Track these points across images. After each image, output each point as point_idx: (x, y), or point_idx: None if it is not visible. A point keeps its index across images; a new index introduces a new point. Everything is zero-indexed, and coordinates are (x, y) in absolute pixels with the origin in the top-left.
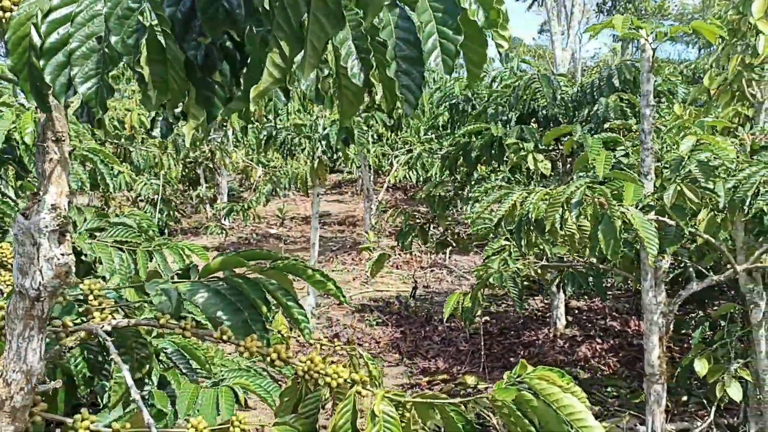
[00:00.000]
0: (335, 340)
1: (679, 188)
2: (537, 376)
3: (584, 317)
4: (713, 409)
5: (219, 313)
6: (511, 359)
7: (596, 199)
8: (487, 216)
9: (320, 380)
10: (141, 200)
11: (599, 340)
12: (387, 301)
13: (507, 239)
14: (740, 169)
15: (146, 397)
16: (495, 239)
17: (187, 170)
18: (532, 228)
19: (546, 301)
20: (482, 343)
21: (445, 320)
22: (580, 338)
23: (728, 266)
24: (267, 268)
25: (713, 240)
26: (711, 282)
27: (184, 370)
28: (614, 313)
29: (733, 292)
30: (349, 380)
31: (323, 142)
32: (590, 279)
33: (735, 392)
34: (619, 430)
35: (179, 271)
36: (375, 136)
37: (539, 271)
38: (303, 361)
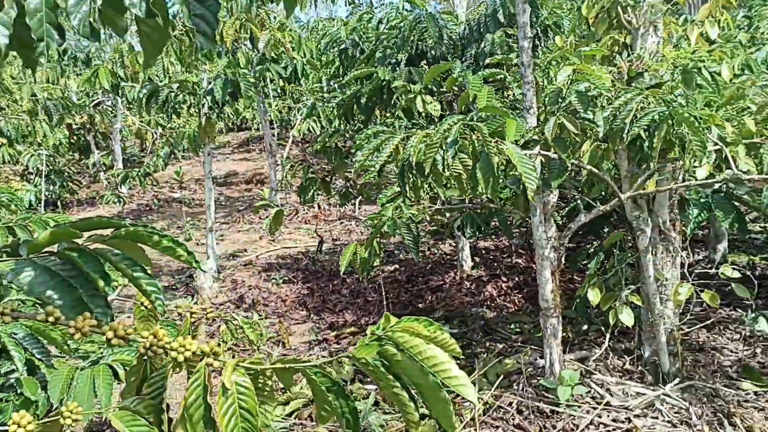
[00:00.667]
0: (235, 304)
1: (559, 120)
2: (401, 328)
3: (491, 257)
4: (608, 335)
5: (49, 293)
6: (419, 305)
7: (475, 137)
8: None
9: (165, 355)
10: (30, 173)
11: (505, 279)
12: (295, 258)
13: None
14: (617, 97)
15: (14, 384)
16: (389, 186)
17: (76, 137)
18: (413, 172)
19: (453, 245)
20: (383, 293)
21: (342, 273)
22: (486, 278)
23: (614, 196)
24: (109, 237)
25: (597, 171)
26: (598, 212)
27: (38, 356)
28: (520, 251)
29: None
30: (198, 352)
31: (208, 98)
32: (495, 219)
33: (626, 318)
34: (520, 365)
35: (7, 248)
36: (278, 90)
37: (435, 216)
38: (145, 336)
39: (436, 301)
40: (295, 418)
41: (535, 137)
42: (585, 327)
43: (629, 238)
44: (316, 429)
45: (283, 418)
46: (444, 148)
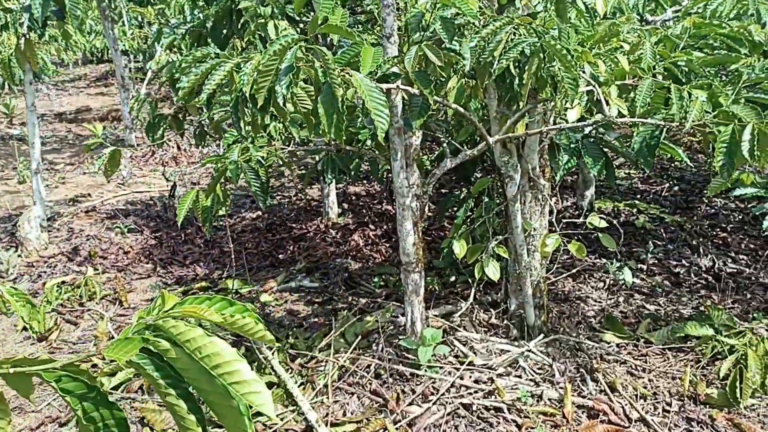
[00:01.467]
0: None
1: (421, 51)
2: (181, 312)
3: (360, 204)
4: (473, 290)
5: None
6: (280, 256)
7: (319, 65)
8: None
9: None
10: None
11: (373, 227)
12: (146, 203)
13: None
14: (485, 25)
15: None
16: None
17: None
18: (249, 106)
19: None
20: (230, 243)
21: (179, 225)
22: (353, 226)
23: (483, 139)
24: None
25: (463, 111)
26: (465, 157)
27: None
28: (392, 197)
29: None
30: None
31: (26, 15)
32: (364, 162)
33: (492, 272)
34: (380, 324)
35: None
36: (138, 19)
37: (288, 159)
38: None
39: (299, 251)
40: (123, 391)
41: (395, 69)
42: (453, 278)
43: (499, 185)
44: (147, 401)
45: (108, 392)
46: (277, 76)
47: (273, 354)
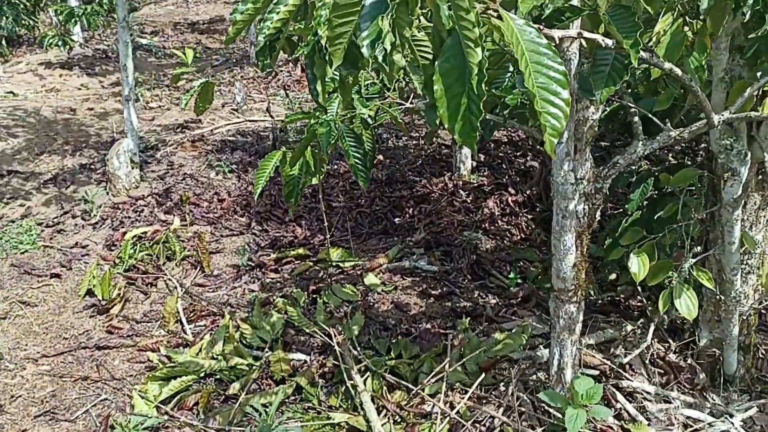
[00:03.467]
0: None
1: None
2: None
3: (500, 156)
4: (651, 328)
5: None
6: (396, 220)
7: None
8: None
9: None
10: None
11: (512, 191)
12: (259, 135)
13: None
14: None
15: None
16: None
17: None
18: (326, 57)
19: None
20: (321, 208)
21: (255, 198)
22: (488, 187)
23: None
24: None
25: (681, 73)
26: (668, 140)
27: None
28: (540, 146)
29: (695, 146)
30: None
31: None
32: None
33: (687, 306)
34: (514, 352)
35: None
36: None
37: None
38: None
39: (419, 216)
40: (175, 408)
41: (575, 3)
42: (614, 276)
43: (708, 175)
44: (202, 427)
45: (156, 406)
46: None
47: (366, 380)
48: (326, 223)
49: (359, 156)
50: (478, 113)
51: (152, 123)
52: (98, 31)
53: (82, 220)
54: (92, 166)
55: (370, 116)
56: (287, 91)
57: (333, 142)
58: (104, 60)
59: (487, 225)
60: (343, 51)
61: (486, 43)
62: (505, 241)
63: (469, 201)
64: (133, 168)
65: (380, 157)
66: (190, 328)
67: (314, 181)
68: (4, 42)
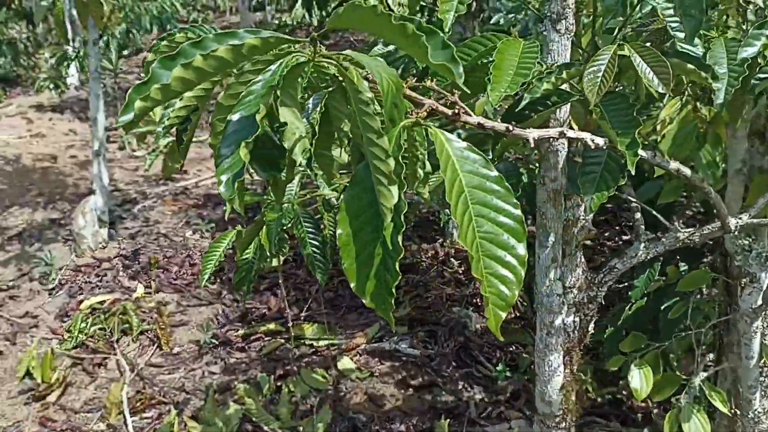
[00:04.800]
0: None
1: (623, 53)
2: None
3: None
4: None
5: None
6: None
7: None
8: None
9: None
10: None
11: None
12: (246, 188)
13: None
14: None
15: None
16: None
17: (17, 2)
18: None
19: None
20: (281, 293)
21: (201, 285)
22: None
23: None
24: None
25: (690, 173)
26: (675, 244)
27: None
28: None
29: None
30: None
31: None
32: None
33: (697, 429)
34: None
35: None
36: None
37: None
38: None
39: (405, 288)
40: None
41: (562, 87)
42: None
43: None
44: None
45: None
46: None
47: None
48: (285, 300)
49: (317, 244)
50: (395, 273)
51: (135, 173)
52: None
53: (39, 285)
54: (62, 221)
55: (334, 197)
56: None
57: (284, 229)
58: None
59: (478, 300)
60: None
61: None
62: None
63: (461, 272)
64: (101, 227)
65: None
66: (133, 422)
67: (274, 263)
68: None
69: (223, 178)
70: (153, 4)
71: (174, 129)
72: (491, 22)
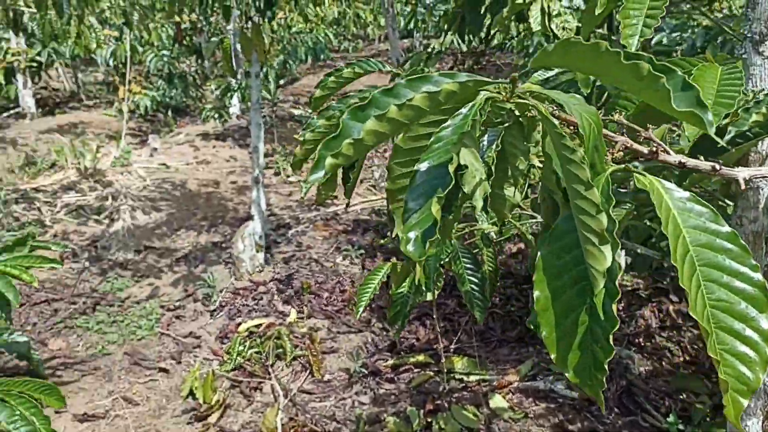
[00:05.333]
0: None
1: None
2: None
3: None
4: None
5: None
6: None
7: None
8: None
9: None
10: (154, 75)
11: (675, 297)
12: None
13: None
14: None
15: None
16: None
17: (187, 38)
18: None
19: None
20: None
21: (357, 317)
22: (645, 292)
23: None
24: None
25: None
26: None
27: None
28: None
29: None
30: None
31: None
32: None
33: None
34: None
35: None
36: None
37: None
38: None
39: None
40: None
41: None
42: None
43: None
44: None
45: None
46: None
47: None
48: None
49: (476, 281)
50: (607, 346)
51: (289, 198)
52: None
53: (202, 306)
54: (223, 245)
55: (493, 231)
56: None
57: (441, 265)
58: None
59: (641, 340)
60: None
61: None
62: (664, 364)
63: (620, 308)
64: (258, 251)
65: (521, 245)
66: None
67: (428, 297)
68: (170, 112)
69: (411, 235)
70: (308, 35)
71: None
72: (653, 42)
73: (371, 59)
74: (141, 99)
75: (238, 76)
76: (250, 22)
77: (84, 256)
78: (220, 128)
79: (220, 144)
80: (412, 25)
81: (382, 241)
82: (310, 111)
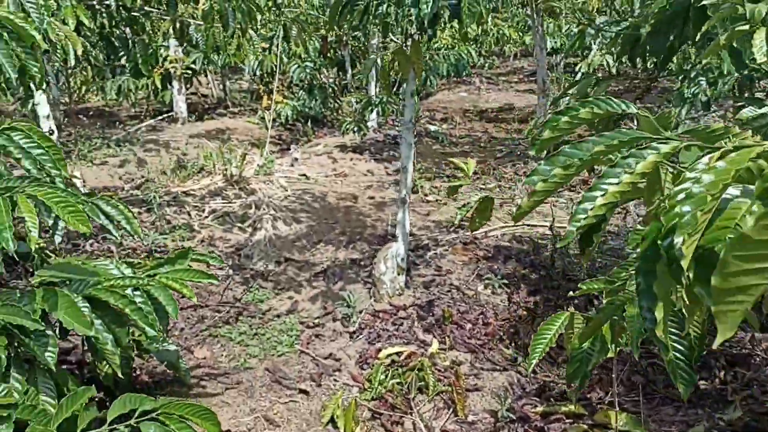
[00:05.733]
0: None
1: None
2: None
3: None
4: None
5: None
6: (701, 383)
7: None
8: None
9: None
10: (296, 85)
11: None
12: (538, 243)
13: None
14: None
15: None
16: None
17: (332, 51)
18: (679, 271)
19: None
20: (614, 389)
21: (529, 370)
22: None
23: None
24: None
25: None
26: None
27: None
28: None
29: None
30: None
31: (413, 11)
32: None
33: None
34: None
35: None
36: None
37: None
38: None
39: (733, 384)
40: None
41: None
42: None
43: None
44: None
45: None
46: None
47: None
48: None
49: (682, 349)
50: None
51: (427, 218)
52: (392, 116)
53: (341, 326)
54: (362, 262)
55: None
56: (573, 191)
57: (643, 332)
58: (392, 145)
59: None
60: (741, 316)
61: None
62: None
63: None
64: (399, 274)
65: None
66: None
67: (609, 354)
68: (309, 123)
69: None
70: (450, 52)
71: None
72: None
73: (610, 97)
74: (282, 108)
75: (376, 90)
76: (410, 40)
77: (228, 263)
78: (357, 141)
79: (357, 157)
80: (577, 45)
81: (572, 293)
82: (443, 127)
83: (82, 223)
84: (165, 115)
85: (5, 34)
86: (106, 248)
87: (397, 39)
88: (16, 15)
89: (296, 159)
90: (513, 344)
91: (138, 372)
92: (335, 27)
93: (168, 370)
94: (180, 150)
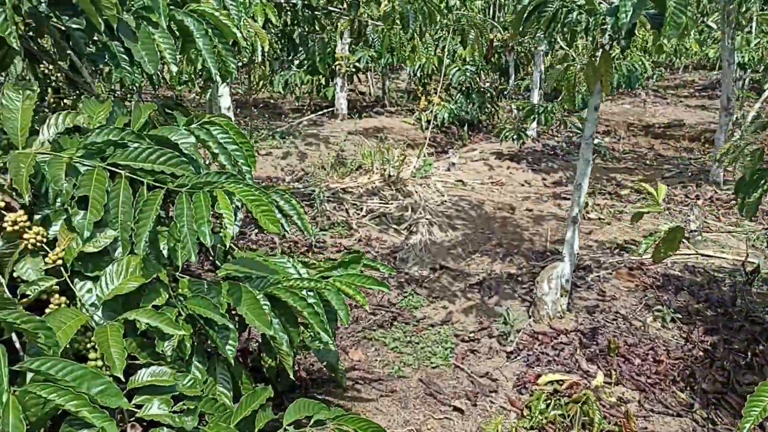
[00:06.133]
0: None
1: None
2: None
3: None
4: None
5: None
6: None
7: None
8: None
9: None
10: (454, 88)
11: None
12: (713, 277)
13: None
14: None
15: None
16: None
17: (496, 55)
18: None
19: None
20: None
21: None
22: None
23: None
24: None
25: None
26: None
27: None
28: None
29: None
30: None
31: (609, 20)
32: None
33: None
34: None
35: None
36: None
37: None
38: None
39: None
40: None
41: None
42: None
43: None
44: None
45: None
46: None
47: None
48: None
49: None
50: None
51: (588, 237)
52: (552, 126)
53: (498, 343)
54: (519, 278)
55: None
56: (753, 220)
57: None
58: (551, 156)
59: None
60: None
61: None
62: None
63: None
64: (562, 296)
65: None
66: None
67: None
68: (465, 127)
69: None
70: (623, 62)
71: None
72: None
73: None
74: (439, 111)
75: (541, 100)
76: (600, 50)
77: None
78: (515, 149)
79: (514, 166)
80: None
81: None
82: (606, 140)
83: (273, 223)
84: (326, 111)
85: (210, 30)
86: (269, 238)
87: (566, 47)
88: (219, 11)
89: (453, 164)
90: (689, 388)
91: (297, 367)
92: (518, 34)
93: (325, 369)
94: (338, 146)
